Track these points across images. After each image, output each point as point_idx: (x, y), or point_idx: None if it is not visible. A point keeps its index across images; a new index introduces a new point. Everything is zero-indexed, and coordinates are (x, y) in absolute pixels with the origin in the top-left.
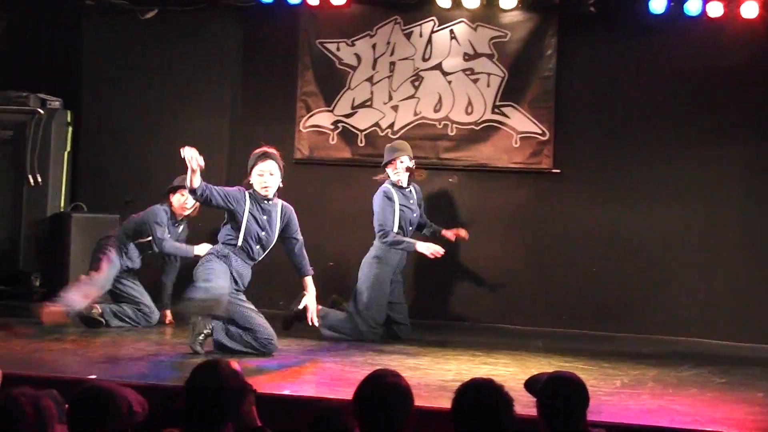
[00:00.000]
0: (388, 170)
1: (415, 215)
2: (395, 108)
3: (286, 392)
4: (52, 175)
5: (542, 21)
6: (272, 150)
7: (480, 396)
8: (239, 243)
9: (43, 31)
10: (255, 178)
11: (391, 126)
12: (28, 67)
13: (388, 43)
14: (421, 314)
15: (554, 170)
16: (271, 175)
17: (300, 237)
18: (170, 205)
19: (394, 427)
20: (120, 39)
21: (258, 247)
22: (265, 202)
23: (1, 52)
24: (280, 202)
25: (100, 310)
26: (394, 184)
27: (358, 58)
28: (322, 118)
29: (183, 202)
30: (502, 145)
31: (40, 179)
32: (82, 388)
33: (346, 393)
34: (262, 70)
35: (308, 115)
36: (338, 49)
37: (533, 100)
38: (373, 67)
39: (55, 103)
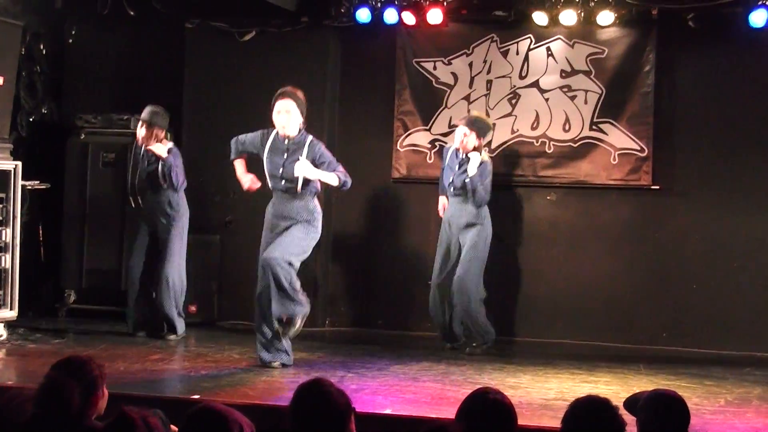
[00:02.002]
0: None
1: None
2: (492, 126)
3: (388, 411)
4: None
5: (640, 36)
6: (291, 88)
7: (594, 414)
8: (269, 185)
9: (145, 54)
10: (274, 118)
11: (489, 144)
12: (129, 91)
13: (485, 61)
14: (520, 332)
15: (654, 186)
16: (288, 113)
17: (337, 167)
18: None
19: None
20: (220, 61)
21: (284, 183)
22: (287, 141)
23: (103, 76)
24: (309, 138)
25: None
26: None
27: (455, 76)
28: (420, 137)
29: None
30: (600, 162)
31: (141, 201)
32: (195, 408)
33: (448, 412)
34: (359, 90)
35: (406, 134)
36: (435, 68)
37: (632, 116)
38: (470, 86)
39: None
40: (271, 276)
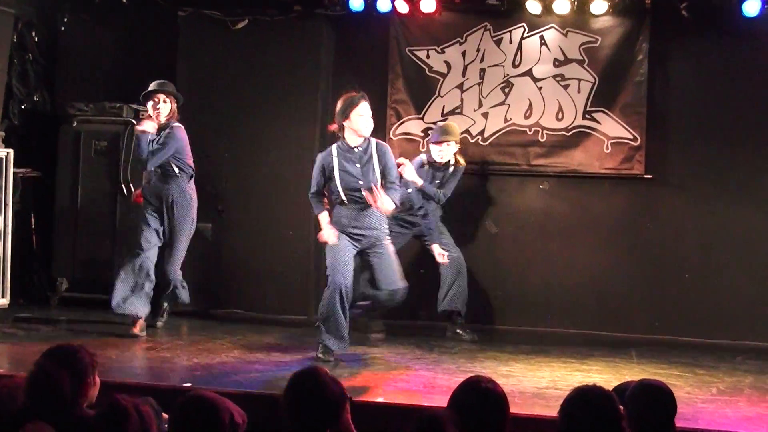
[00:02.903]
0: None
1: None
2: (485, 115)
3: (380, 399)
4: None
5: (634, 26)
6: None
7: (595, 404)
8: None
9: (136, 42)
10: (357, 120)
11: (482, 133)
12: (121, 79)
13: (478, 50)
14: (512, 321)
15: (646, 176)
16: (371, 117)
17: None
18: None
19: None
20: (213, 49)
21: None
22: (357, 149)
23: (96, 64)
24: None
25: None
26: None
27: (448, 65)
28: (413, 126)
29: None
30: (593, 151)
31: (133, 189)
32: (186, 397)
33: (440, 400)
34: (352, 78)
35: (399, 122)
36: (428, 56)
37: (625, 105)
38: (463, 74)
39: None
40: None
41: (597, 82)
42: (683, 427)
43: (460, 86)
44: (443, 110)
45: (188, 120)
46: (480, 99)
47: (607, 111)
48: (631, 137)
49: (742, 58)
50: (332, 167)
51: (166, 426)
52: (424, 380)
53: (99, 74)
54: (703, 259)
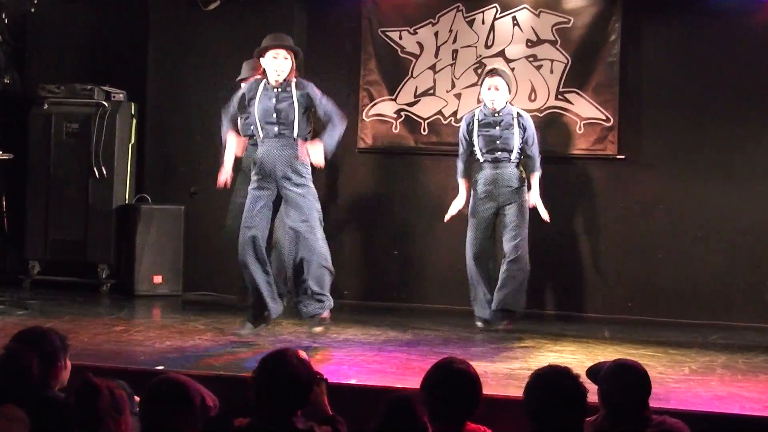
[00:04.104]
0: None
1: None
2: (458, 96)
3: (353, 381)
4: (117, 168)
5: (606, 6)
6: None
7: (556, 383)
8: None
9: (107, 24)
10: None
11: (454, 114)
12: (92, 60)
13: (451, 30)
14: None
15: (619, 156)
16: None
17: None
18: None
19: (462, 414)
20: (185, 30)
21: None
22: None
23: (66, 46)
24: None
25: None
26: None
27: (421, 46)
28: (385, 107)
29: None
30: (566, 132)
31: (105, 172)
32: (157, 379)
33: (414, 382)
34: (324, 59)
35: (371, 104)
36: (400, 37)
37: (597, 86)
38: (436, 55)
39: (120, 95)
40: None
41: (570, 62)
42: (656, 407)
43: (432, 67)
44: (416, 91)
45: (160, 101)
46: (453, 80)
47: (579, 92)
48: (604, 118)
49: (715, 37)
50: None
51: (138, 409)
52: (397, 362)
53: (69, 56)
54: (676, 239)
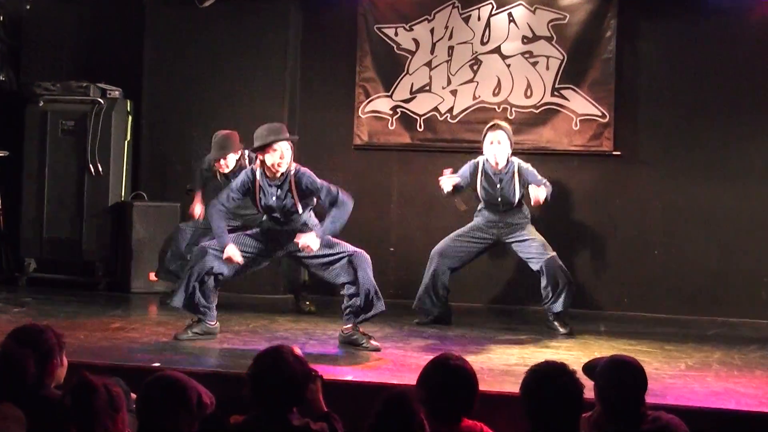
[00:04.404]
0: None
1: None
2: (454, 92)
3: (349, 378)
4: (113, 165)
5: (602, 3)
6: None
7: (552, 379)
8: None
9: (103, 21)
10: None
11: (450, 110)
12: (88, 58)
13: (446, 27)
14: (480, 299)
15: (615, 153)
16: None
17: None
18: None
19: (458, 410)
20: (180, 28)
21: None
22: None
23: (62, 43)
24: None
25: None
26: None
27: (417, 43)
28: (381, 104)
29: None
30: (562, 128)
31: (101, 169)
32: (154, 377)
33: (410, 378)
34: (320, 57)
35: (367, 100)
36: (396, 34)
37: (593, 82)
38: (432, 52)
39: (115, 93)
40: None
41: (565, 59)
42: (652, 403)
43: (428, 64)
44: (412, 88)
45: (156, 99)
46: (448, 76)
47: (575, 88)
48: (600, 114)
49: (710, 35)
50: None
51: (134, 406)
52: (393, 358)
53: (65, 53)
54: (672, 236)
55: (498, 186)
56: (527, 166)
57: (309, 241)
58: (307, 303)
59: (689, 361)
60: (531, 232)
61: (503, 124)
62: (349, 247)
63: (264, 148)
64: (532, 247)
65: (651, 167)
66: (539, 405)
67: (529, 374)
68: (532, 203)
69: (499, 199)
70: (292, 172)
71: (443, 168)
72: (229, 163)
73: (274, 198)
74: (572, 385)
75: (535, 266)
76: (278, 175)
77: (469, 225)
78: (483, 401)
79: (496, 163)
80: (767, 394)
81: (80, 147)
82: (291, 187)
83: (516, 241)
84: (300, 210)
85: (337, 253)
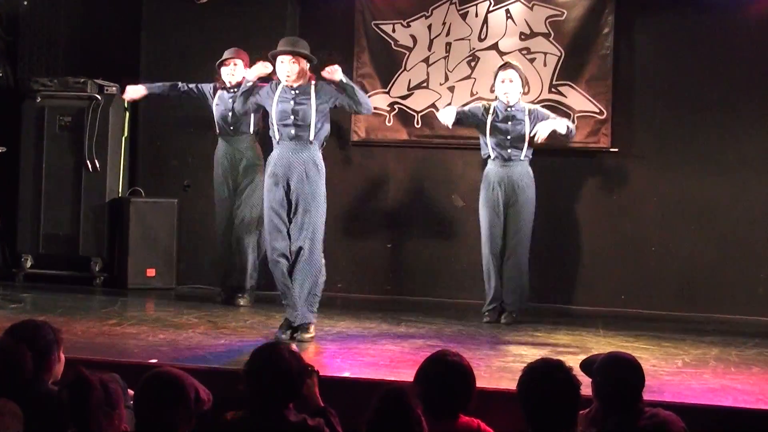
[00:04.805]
0: None
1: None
2: (451, 89)
3: (346, 374)
4: (110, 161)
5: None
6: None
7: (549, 376)
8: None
9: (100, 17)
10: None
11: (448, 107)
12: (85, 53)
13: (444, 23)
14: (477, 296)
15: (612, 149)
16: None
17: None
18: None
19: (456, 406)
20: (177, 24)
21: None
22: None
23: (59, 39)
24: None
25: None
26: None
27: (414, 39)
28: (379, 100)
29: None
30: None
31: (98, 165)
32: (150, 373)
33: (407, 375)
34: (318, 52)
35: None
36: (394, 30)
37: (591, 78)
38: (429, 48)
39: (113, 88)
40: None
41: (563, 55)
42: (649, 400)
43: (426, 60)
44: (409, 84)
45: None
46: (446, 73)
47: (573, 84)
48: (597, 111)
49: (706, 30)
50: None
51: (132, 402)
52: (390, 354)
53: (62, 49)
54: (669, 232)
55: (509, 123)
56: (538, 106)
57: (334, 68)
58: (239, 296)
59: (686, 357)
60: (528, 210)
61: (514, 62)
62: (313, 246)
63: (272, 60)
64: (521, 232)
65: (648, 163)
66: (536, 402)
67: (526, 371)
68: (544, 137)
69: (509, 137)
70: (314, 84)
71: (440, 164)
72: (237, 72)
73: (291, 102)
74: (569, 382)
75: (507, 250)
76: (291, 84)
77: (483, 198)
78: (480, 398)
79: (508, 101)
80: (764, 390)
81: (77, 143)
82: (310, 97)
83: (509, 213)
84: (313, 120)
85: (303, 224)
